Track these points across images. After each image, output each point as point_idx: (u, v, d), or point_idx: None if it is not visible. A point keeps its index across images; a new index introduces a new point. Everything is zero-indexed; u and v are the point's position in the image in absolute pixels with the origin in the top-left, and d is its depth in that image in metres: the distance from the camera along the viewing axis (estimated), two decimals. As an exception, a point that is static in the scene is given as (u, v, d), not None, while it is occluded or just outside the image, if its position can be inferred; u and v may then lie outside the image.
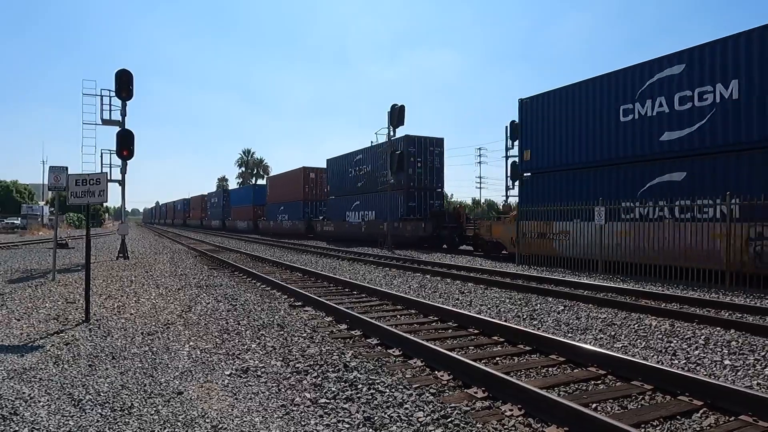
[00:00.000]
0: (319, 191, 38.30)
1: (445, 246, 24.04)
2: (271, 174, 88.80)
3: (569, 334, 6.65)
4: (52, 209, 46.86)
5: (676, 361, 5.42)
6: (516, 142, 26.77)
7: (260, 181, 52.17)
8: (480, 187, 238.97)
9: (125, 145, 16.69)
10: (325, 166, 36.47)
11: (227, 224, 57.54)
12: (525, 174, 17.82)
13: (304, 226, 37.35)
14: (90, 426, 3.60)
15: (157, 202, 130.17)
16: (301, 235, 37.00)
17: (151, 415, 3.80)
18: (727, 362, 5.34)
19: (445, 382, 4.66)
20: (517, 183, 22.67)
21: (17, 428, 3.54)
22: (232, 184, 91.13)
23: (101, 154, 17.91)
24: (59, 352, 5.49)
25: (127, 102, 17.00)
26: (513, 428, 3.68)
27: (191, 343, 5.97)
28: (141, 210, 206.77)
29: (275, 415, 3.84)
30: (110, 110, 17.09)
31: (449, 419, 3.74)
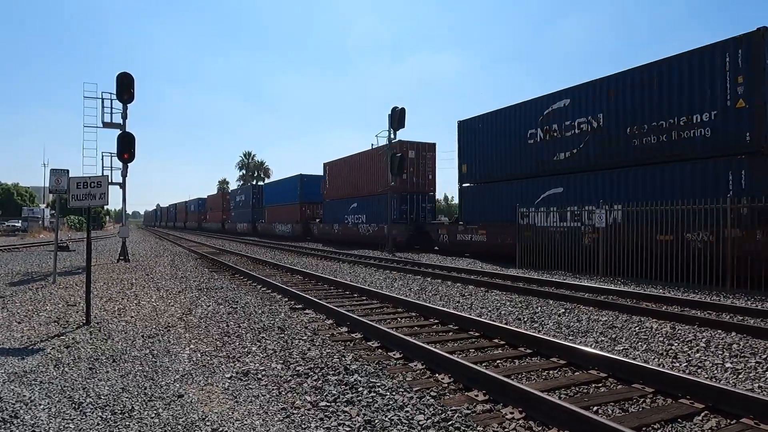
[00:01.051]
0: (422, 180, 25.74)
1: None
2: (273, 176, 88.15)
3: (570, 337, 6.64)
4: (53, 212, 46.91)
5: (677, 364, 5.41)
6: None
7: (298, 178, 38.88)
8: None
9: (126, 148, 16.71)
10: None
11: (260, 228, 45.62)
12: None
13: (405, 233, 24.61)
14: (90, 429, 3.60)
15: (158, 205, 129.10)
16: (399, 246, 23.97)
17: (152, 418, 3.79)
18: (728, 365, 5.33)
19: (446, 384, 4.66)
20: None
21: (18, 431, 3.54)
22: (233, 186, 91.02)
23: (102, 156, 18.02)
24: (60, 355, 5.49)
25: (128, 105, 17.04)
26: (514, 431, 3.68)
27: (192, 346, 5.96)
28: (142, 213, 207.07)
29: (276, 418, 3.84)
30: (111, 113, 17.14)
31: (450, 422, 3.74)
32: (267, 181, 74.59)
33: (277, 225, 41.76)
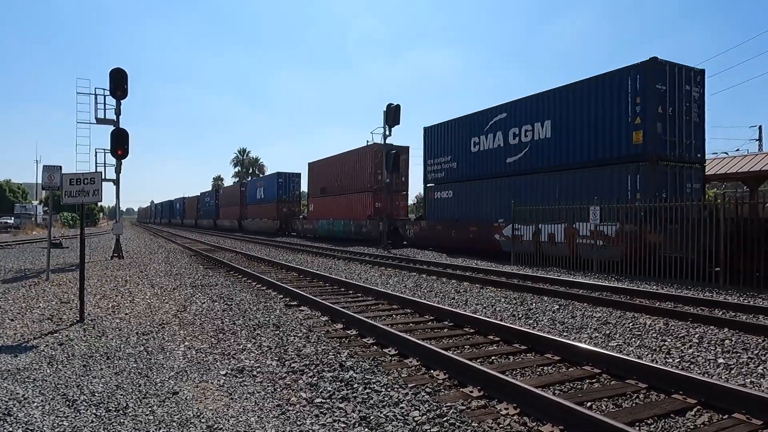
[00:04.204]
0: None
1: None
2: (268, 173, 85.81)
3: (564, 333, 6.67)
4: (46, 208, 46.57)
5: (671, 360, 5.45)
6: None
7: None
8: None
9: (120, 144, 16.59)
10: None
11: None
12: None
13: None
14: (84, 426, 3.59)
15: (152, 201, 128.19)
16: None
17: (146, 415, 3.79)
18: (720, 360, 5.37)
19: (441, 381, 4.67)
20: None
21: (11, 429, 3.52)
22: (228, 183, 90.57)
23: (95, 153, 17.84)
24: (53, 353, 5.46)
25: (122, 101, 16.90)
26: (508, 427, 3.69)
27: (186, 343, 5.95)
28: (135, 209, 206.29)
29: (271, 415, 3.84)
30: (104, 109, 16.99)
31: (445, 418, 3.75)
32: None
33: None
